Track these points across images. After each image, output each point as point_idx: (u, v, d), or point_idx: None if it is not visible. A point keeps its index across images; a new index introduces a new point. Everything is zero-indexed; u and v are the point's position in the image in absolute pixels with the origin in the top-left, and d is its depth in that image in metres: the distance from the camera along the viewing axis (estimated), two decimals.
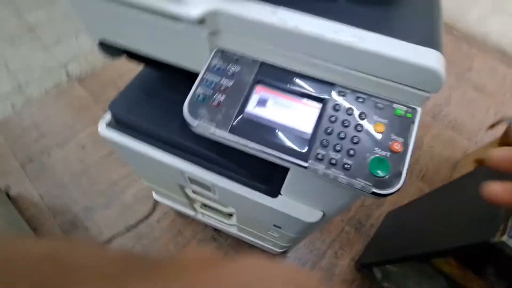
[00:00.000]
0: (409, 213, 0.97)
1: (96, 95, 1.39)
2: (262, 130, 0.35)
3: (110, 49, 0.49)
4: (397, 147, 0.33)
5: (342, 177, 0.33)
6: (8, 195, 1.09)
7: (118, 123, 0.57)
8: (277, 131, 0.35)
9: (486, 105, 1.50)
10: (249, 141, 0.35)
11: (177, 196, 0.81)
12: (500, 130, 1.06)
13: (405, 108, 0.34)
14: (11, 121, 1.31)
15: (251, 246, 1.03)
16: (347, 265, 1.06)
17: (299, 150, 0.34)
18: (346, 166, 0.33)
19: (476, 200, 0.65)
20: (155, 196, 0.99)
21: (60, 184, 1.17)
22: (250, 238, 0.92)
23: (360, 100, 0.35)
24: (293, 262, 1.07)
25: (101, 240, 1.07)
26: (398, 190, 0.32)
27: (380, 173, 0.32)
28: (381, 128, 0.34)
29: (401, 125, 0.34)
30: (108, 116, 0.58)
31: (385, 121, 0.34)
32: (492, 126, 1.09)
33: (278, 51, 0.36)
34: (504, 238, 0.46)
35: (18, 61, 1.49)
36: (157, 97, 0.56)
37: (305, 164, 0.34)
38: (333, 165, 0.33)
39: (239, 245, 1.07)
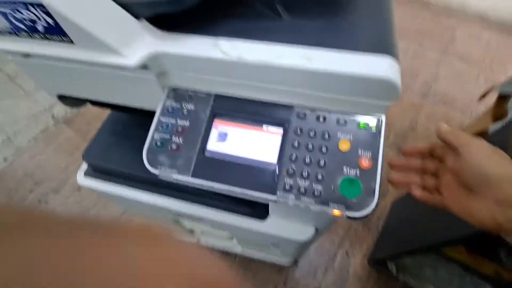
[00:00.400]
0: (414, 201, 0.94)
1: (84, 134, 1.39)
2: (226, 168, 0.34)
3: (70, 100, 0.48)
4: (366, 163, 0.31)
5: (313, 205, 0.31)
6: None
7: (95, 171, 0.56)
8: (241, 166, 0.34)
9: (474, 74, 1.47)
10: (213, 183, 0.33)
11: (175, 228, 0.80)
12: (492, 98, 1.03)
13: (369, 119, 0.33)
14: (5, 175, 1.31)
15: (260, 262, 1.01)
16: (360, 263, 1.04)
17: (266, 183, 0.33)
18: (316, 193, 0.31)
19: None
20: None
21: None
22: (256, 255, 0.91)
23: (321, 119, 0.33)
24: (304, 269, 1.05)
25: None
26: (375, 209, 0.30)
27: (352, 194, 0.31)
28: (346, 145, 0.32)
29: (366, 138, 0.32)
30: (84, 166, 0.57)
31: (350, 137, 0.32)
32: (483, 96, 1.06)
33: (228, 82, 0.34)
34: None
35: (4, 114, 1.50)
36: (128, 139, 0.55)
37: (274, 198, 0.32)
38: (303, 193, 0.32)
39: (247, 261, 1.05)
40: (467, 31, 1.64)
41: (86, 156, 0.55)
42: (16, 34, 0.32)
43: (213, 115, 0.36)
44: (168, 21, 0.33)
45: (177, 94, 0.37)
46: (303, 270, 1.04)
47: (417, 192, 0.34)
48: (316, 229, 0.51)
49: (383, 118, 0.33)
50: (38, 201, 1.23)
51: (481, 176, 0.28)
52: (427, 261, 0.94)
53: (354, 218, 0.30)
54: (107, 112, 0.58)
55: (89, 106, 0.51)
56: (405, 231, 0.89)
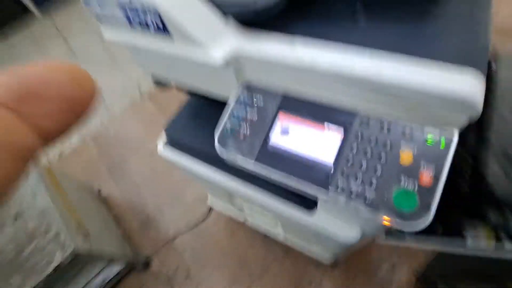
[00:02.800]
0: None
1: (163, 109, 1.59)
2: (285, 161, 0.37)
3: (160, 81, 0.57)
4: (426, 179, 0.31)
5: (363, 209, 0.32)
6: (99, 195, 1.35)
7: (172, 144, 0.66)
8: (299, 161, 0.37)
9: None
10: (272, 172, 0.37)
11: (228, 202, 0.88)
12: None
13: (438, 135, 0.32)
14: (101, 135, 1.60)
15: (300, 253, 1.04)
16: (406, 280, 0.98)
17: (320, 180, 0.35)
18: (367, 198, 0.32)
19: None
20: (210, 200, 1.09)
21: (136, 186, 1.38)
22: (298, 245, 0.94)
23: (385, 129, 0.34)
24: (344, 272, 1.03)
25: (168, 237, 1.22)
26: (426, 226, 0.30)
27: (405, 207, 0.31)
28: (408, 158, 0.32)
29: (432, 154, 0.31)
30: (164, 137, 0.68)
31: (414, 150, 0.32)
32: None
33: (298, 84, 0.37)
34: None
35: (104, 84, 1.81)
36: (205, 120, 0.62)
37: (326, 196, 0.34)
38: (354, 196, 0.33)
39: (290, 251, 1.09)
40: None
41: (167, 130, 0.65)
42: (131, 28, 0.39)
43: (280, 112, 0.39)
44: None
45: (250, 88, 0.41)
46: (342, 273, 1.03)
47: None
48: (363, 234, 0.51)
49: (455, 135, 0.31)
50: (121, 161, 1.47)
51: None
52: None
53: (403, 232, 0.31)
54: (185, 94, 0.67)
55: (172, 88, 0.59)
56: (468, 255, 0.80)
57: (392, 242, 0.46)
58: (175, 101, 1.57)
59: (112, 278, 1.05)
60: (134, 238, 1.24)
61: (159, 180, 1.37)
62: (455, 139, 0.31)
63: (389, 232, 0.46)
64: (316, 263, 1.05)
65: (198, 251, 1.17)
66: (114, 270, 1.06)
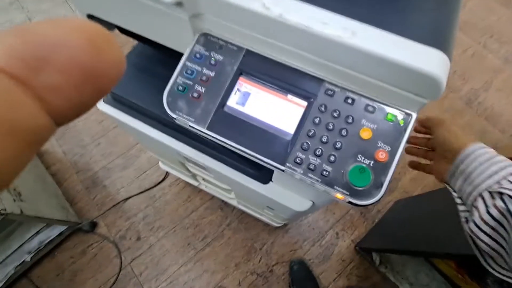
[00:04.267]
0: (419, 205, 0.93)
1: None
2: (242, 128, 0.34)
3: (100, 23, 0.47)
4: (382, 156, 0.30)
5: (319, 184, 0.31)
6: None
7: (114, 99, 0.57)
8: (257, 129, 0.34)
9: None
10: (227, 139, 0.33)
11: (179, 169, 0.84)
12: None
13: (398, 113, 0.31)
14: None
15: (255, 218, 1.07)
16: (347, 246, 1.08)
17: (277, 152, 0.33)
18: (324, 172, 0.31)
19: None
20: (161, 165, 1.03)
21: (81, 144, 1.25)
22: (250, 211, 0.95)
23: (349, 101, 0.32)
24: (293, 237, 1.10)
25: (118, 199, 1.15)
26: (377, 201, 0.30)
27: (360, 183, 0.30)
28: (368, 134, 0.31)
29: (390, 132, 0.31)
30: None
31: (373, 126, 0.31)
32: None
33: (263, 39, 0.32)
34: None
35: (42, 15, 1.52)
36: (152, 74, 0.55)
37: (282, 168, 0.32)
38: (311, 170, 0.31)
39: (243, 217, 1.11)
40: None
41: None
42: None
43: (240, 72, 0.34)
44: None
45: (207, 40, 0.35)
46: (292, 238, 1.10)
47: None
48: (313, 204, 0.52)
49: (414, 115, 0.31)
50: None
51: (444, 146, 0.39)
52: (412, 262, 0.96)
53: (355, 204, 0.30)
54: (133, 41, 0.57)
55: (116, 32, 0.50)
56: (400, 230, 0.90)
57: None
58: (122, 49, 1.41)
59: (51, 240, 0.98)
60: (79, 199, 1.15)
61: (110, 140, 1.25)
62: (414, 117, 0.31)
63: None
64: (269, 229, 1.09)
65: (151, 215, 1.14)
66: (53, 232, 0.98)
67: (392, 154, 0.30)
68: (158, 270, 1.05)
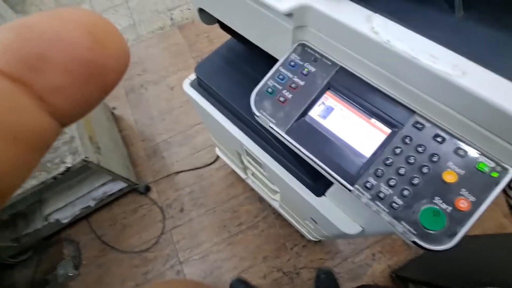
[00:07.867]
0: (474, 246, 0.84)
1: (191, 43, 1.52)
2: (318, 140, 0.35)
3: (206, 16, 0.52)
4: (464, 205, 0.29)
5: (385, 214, 0.31)
6: (113, 114, 1.37)
7: (199, 85, 0.63)
8: (333, 145, 0.34)
9: None
10: (302, 147, 0.35)
11: (234, 158, 0.89)
12: None
13: (492, 165, 0.29)
14: None
15: (289, 224, 1.08)
16: (381, 270, 1.02)
17: (349, 170, 0.33)
18: (393, 205, 0.31)
19: None
20: (217, 151, 1.10)
21: (150, 116, 1.39)
22: (289, 218, 0.96)
23: (439, 139, 0.30)
24: (327, 247, 1.08)
25: (172, 171, 1.26)
26: (446, 250, 0.29)
27: (431, 226, 0.29)
28: (453, 178, 0.29)
29: (479, 182, 0.29)
30: (193, 76, 0.65)
31: (460, 171, 0.29)
32: None
33: (360, 60, 0.33)
34: None
35: (136, 2, 1.70)
36: (238, 70, 0.59)
37: (350, 188, 0.32)
38: (380, 198, 0.31)
39: (280, 215, 1.13)
40: None
41: (197, 70, 0.61)
42: None
43: (328, 86, 0.35)
44: None
45: (304, 51, 0.37)
46: (325, 247, 1.08)
47: None
48: (363, 230, 0.51)
49: (511, 171, 0.28)
50: (140, 86, 1.45)
51: None
52: None
53: (420, 246, 0.29)
54: (214, 31, 0.61)
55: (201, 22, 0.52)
56: (448, 266, 0.82)
57: None
58: (205, 39, 1.51)
59: (113, 193, 1.12)
60: (140, 163, 1.29)
61: (174, 117, 1.37)
62: (510, 174, 0.28)
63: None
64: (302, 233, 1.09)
65: (196, 192, 1.22)
66: (116, 186, 1.12)
67: (475, 205, 0.28)
68: (194, 242, 1.13)
